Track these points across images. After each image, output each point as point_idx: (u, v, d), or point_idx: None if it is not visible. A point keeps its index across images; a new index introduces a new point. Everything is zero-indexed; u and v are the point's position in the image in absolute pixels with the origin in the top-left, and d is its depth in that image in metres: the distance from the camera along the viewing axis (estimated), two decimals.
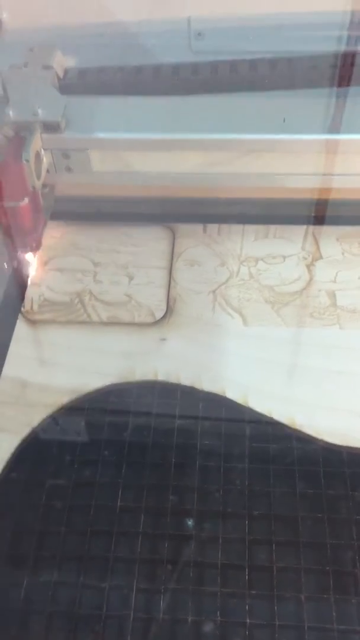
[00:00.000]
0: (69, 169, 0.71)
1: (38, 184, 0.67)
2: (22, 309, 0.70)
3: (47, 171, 0.70)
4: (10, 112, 0.66)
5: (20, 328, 0.68)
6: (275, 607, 0.49)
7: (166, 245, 0.76)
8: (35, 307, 0.70)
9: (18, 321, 0.69)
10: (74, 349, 0.66)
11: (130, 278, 0.72)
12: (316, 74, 0.69)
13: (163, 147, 0.69)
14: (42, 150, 0.68)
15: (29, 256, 0.74)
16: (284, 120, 0.67)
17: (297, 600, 0.49)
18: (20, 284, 0.73)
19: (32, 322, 0.69)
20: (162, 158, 0.71)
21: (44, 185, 0.71)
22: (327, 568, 0.51)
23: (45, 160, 0.69)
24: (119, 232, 0.77)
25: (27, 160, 0.64)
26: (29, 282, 0.73)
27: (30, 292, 0.71)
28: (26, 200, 0.66)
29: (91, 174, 0.71)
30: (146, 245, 0.76)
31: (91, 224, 0.78)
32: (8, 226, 0.69)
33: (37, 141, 0.66)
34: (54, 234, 0.77)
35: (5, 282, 0.73)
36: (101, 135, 0.68)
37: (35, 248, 0.72)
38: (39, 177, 0.67)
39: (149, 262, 0.74)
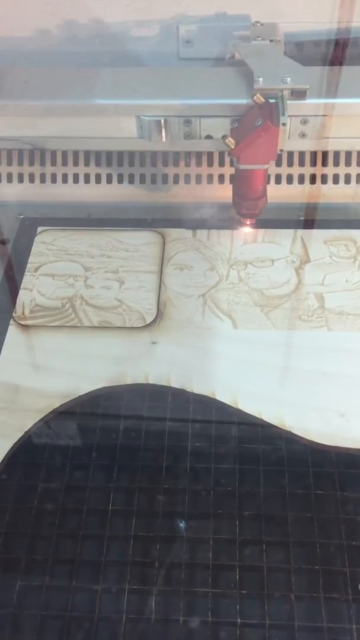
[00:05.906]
0: (303, 135, 0.72)
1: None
2: (14, 314, 0.70)
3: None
4: (260, 80, 0.68)
5: (12, 333, 0.68)
6: (266, 607, 0.49)
7: (156, 249, 0.76)
8: (26, 312, 0.70)
9: (10, 326, 0.69)
10: (66, 354, 0.66)
11: (121, 283, 0.73)
12: None
13: None
14: None
15: (251, 220, 0.74)
16: None
17: (288, 600, 0.50)
18: None
19: (24, 327, 0.69)
20: None
21: None
22: (317, 567, 0.51)
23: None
24: (110, 237, 0.78)
25: (284, 124, 0.65)
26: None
27: (21, 297, 0.72)
28: (270, 163, 0.67)
29: (322, 140, 0.73)
30: (136, 250, 0.76)
31: (82, 229, 0.79)
32: (243, 187, 0.68)
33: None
34: (45, 240, 0.78)
35: None
36: (342, 100, 0.70)
37: (258, 214, 0.73)
38: (280, 142, 0.68)
39: (139, 267, 0.74)
